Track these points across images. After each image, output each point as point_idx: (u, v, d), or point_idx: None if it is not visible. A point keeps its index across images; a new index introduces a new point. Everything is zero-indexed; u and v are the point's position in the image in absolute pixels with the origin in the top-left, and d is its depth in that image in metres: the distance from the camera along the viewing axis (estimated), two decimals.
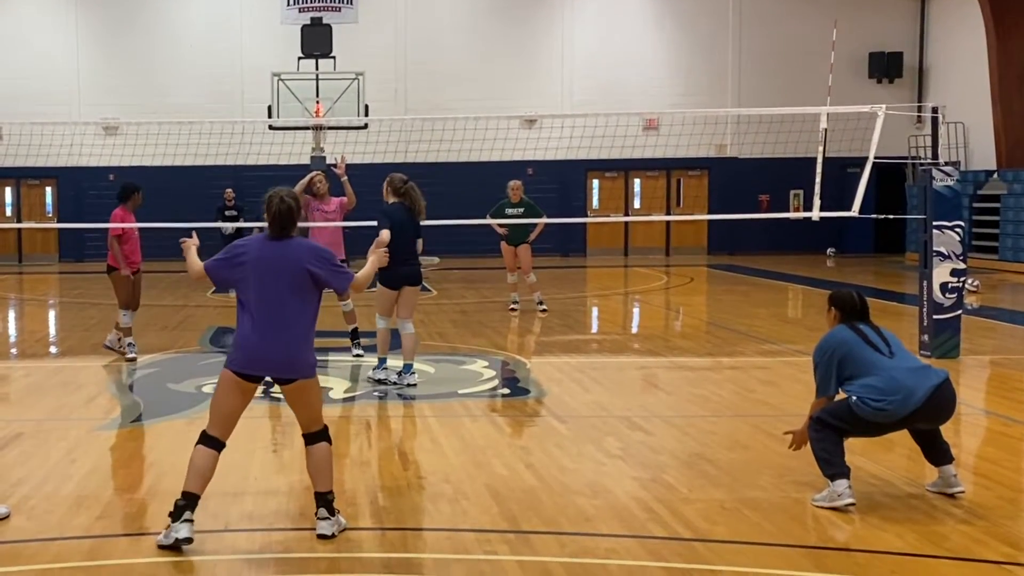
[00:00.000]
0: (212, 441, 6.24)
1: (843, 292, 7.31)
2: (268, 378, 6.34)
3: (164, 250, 29.39)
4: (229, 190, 22.13)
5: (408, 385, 10.89)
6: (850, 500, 6.74)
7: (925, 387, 6.72)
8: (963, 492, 7.00)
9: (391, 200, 11.12)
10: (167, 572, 5.69)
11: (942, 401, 6.83)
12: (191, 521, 5.98)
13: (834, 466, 6.86)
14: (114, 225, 12.64)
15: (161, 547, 5.96)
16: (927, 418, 6.84)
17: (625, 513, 6.73)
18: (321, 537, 6.19)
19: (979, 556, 5.91)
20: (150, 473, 7.62)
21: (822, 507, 6.82)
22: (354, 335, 12.78)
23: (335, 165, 12.93)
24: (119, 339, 12.94)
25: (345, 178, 12.72)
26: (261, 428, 9.40)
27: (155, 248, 28.54)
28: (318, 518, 6.26)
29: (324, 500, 6.27)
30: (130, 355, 12.64)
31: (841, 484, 6.78)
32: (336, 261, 6.41)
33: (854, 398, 6.82)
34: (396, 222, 10.68)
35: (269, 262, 6.24)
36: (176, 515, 5.99)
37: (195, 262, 6.55)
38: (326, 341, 13.87)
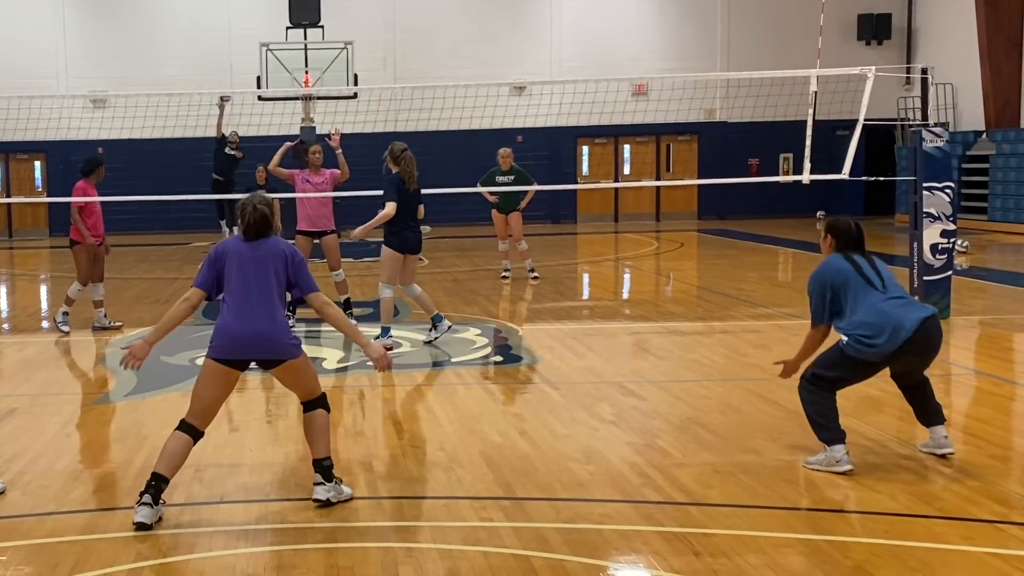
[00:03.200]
0: (190, 429, 6.23)
1: (840, 220, 7.25)
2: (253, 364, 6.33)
3: (154, 223, 29.50)
4: (234, 130, 22.11)
5: (449, 328, 11.40)
6: (848, 466, 6.77)
7: (913, 320, 6.72)
8: (952, 453, 7.04)
9: (395, 169, 11.16)
10: (164, 544, 5.72)
11: (929, 334, 6.80)
12: (150, 505, 5.94)
13: (830, 431, 6.88)
14: (76, 200, 12.75)
15: (139, 525, 5.94)
16: (916, 352, 6.80)
17: (619, 478, 6.76)
18: (317, 502, 6.21)
19: (971, 515, 5.95)
20: (145, 446, 7.63)
21: (816, 470, 6.86)
22: (346, 305, 12.80)
23: (330, 136, 12.89)
24: (105, 315, 12.96)
25: (340, 150, 12.69)
26: (256, 400, 9.42)
27: (145, 221, 28.62)
28: (315, 484, 6.27)
29: (320, 466, 6.28)
30: (64, 328, 12.66)
31: (839, 450, 6.81)
32: (305, 266, 6.42)
33: (844, 339, 6.85)
34: (402, 191, 10.86)
35: (248, 257, 6.28)
36: (139, 496, 6.00)
37: (183, 311, 6.47)
38: None
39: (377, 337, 11.22)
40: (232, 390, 6.41)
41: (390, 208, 10.95)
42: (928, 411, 7.11)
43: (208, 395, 6.29)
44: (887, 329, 6.69)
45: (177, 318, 6.44)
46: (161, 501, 6.04)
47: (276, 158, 12.86)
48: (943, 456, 7.02)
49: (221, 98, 13.04)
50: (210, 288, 6.39)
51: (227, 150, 21.39)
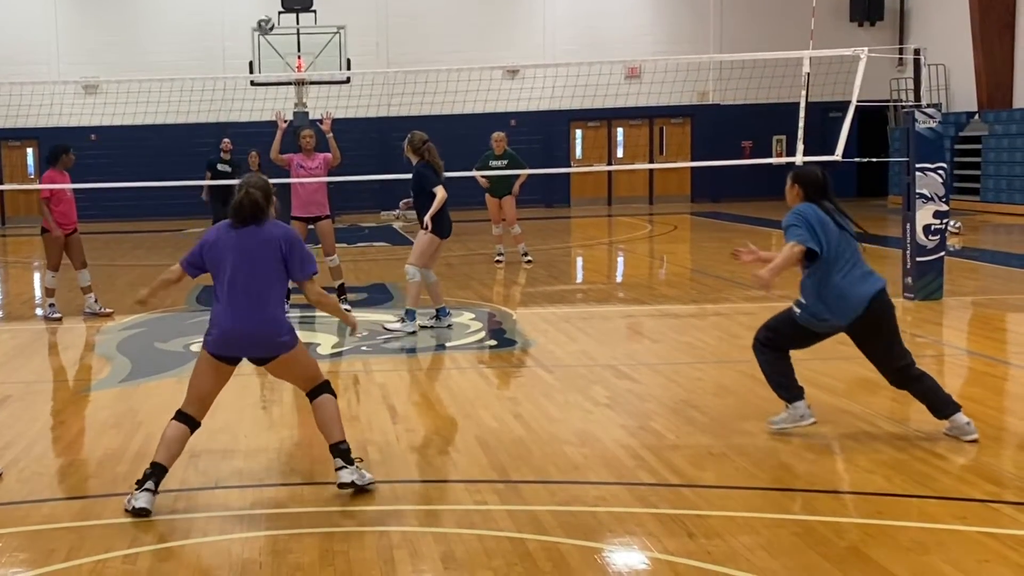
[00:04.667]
0: (187, 418, 6.21)
1: (807, 168, 7.28)
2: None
3: (148, 209, 29.44)
4: (227, 140, 20.92)
5: (448, 327, 11.43)
6: (813, 419, 7.15)
7: (864, 298, 6.89)
8: (977, 439, 6.92)
9: (414, 159, 11.17)
10: (160, 530, 5.73)
11: (881, 308, 6.93)
12: (152, 492, 5.94)
13: (790, 389, 7.22)
14: (44, 186, 12.81)
15: (125, 511, 5.95)
16: (866, 327, 6.95)
17: (613, 461, 6.78)
18: (343, 486, 6.17)
19: (964, 495, 5.97)
20: (139, 433, 7.64)
21: (783, 429, 7.15)
22: (340, 290, 12.78)
23: (321, 121, 12.86)
24: (95, 300, 12.97)
25: (331, 135, 12.67)
26: (250, 386, 9.41)
27: (139, 208, 28.58)
28: (336, 469, 6.22)
29: (339, 451, 6.24)
30: (54, 316, 12.67)
31: (800, 405, 7.16)
32: (305, 250, 6.30)
33: (797, 310, 7.05)
34: (439, 179, 11.06)
35: (238, 247, 6.15)
36: (139, 483, 6.00)
37: (166, 281, 6.45)
38: None
39: (402, 320, 11.21)
40: (226, 383, 6.39)
41: (443, 192, 11.07)
42: (939, 403, 7.04)
43: (203, 386, 6.27)
44: (839, 307, 6.91)
45: (162, 283, 6.45)
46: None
47: (276, 145, 12.79)
48: (970, 442, 6.90)
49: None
50: (193, 272, 6.32)
51: (219, 167, 20.51)
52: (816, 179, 7.08)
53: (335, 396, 6.40)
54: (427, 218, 11.11)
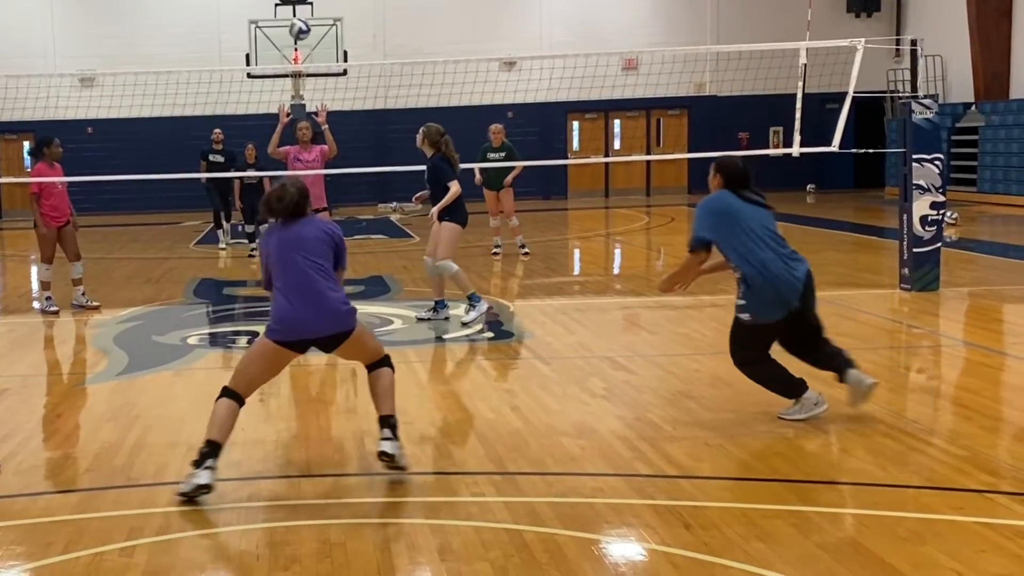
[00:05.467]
0: (235, 395, 6.20)
1: (729, 159, 7.53)
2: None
3: (145, 202, 29.42)
4: (217, 131, 20.70)
5: (445, 319, 11.50)
6: (826, 405, 7.19)
7: (797, 284, 7.09)
8: (876, 382, 7.26)
9: (429, 151, 11.16)
10: (157, 523, 5.72)
11: (807, 293, 7.16)
12: (212, 468, 5.98)
13: (792, 384, 7.25)
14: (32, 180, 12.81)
15: (181, 495, 5.95)
16: (803, 307, 7.16)
17: (610, 452, 6.78)
18: (383, 457, 6.26)
19: (960, 485, 5.98)
20: (137, 426, 7.64)
21: (798, 420, 7.17)
22: None
23: (316, 113, 12.84)
24: (83, 293, 12.97)
25: (326, 127, 12.65)
26: None
27: (136, 200, 28.55)
28: (382, 438, 6.31)
29: (387, 422, 6.35)
30: (51, 308, 12.66)
31: (811, 395, 7.19)
32: (345, 244, 6.47)
33: (746, 317, 7.18)
34: (454, 173, 11.16)
35: (287, 240, 6.28)
36: (199, 461, 6.00)
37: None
38: None
39: (471, 308, 11.28)
40: (279, 372, 6.46)
41: (457, 186, 11.12)
42: (831, 355, 7.30)
43: (255, 372, 6.29)
44: (775, 300, 7.07)
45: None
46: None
47: (275, 139, 12.77)
48: (869, 386, 7.16)
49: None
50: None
51: (211, 157, 20.21)
52: (737, 169, 7.37)
53: (393, 371, 6.49)
54: (435, 210, 11.14)
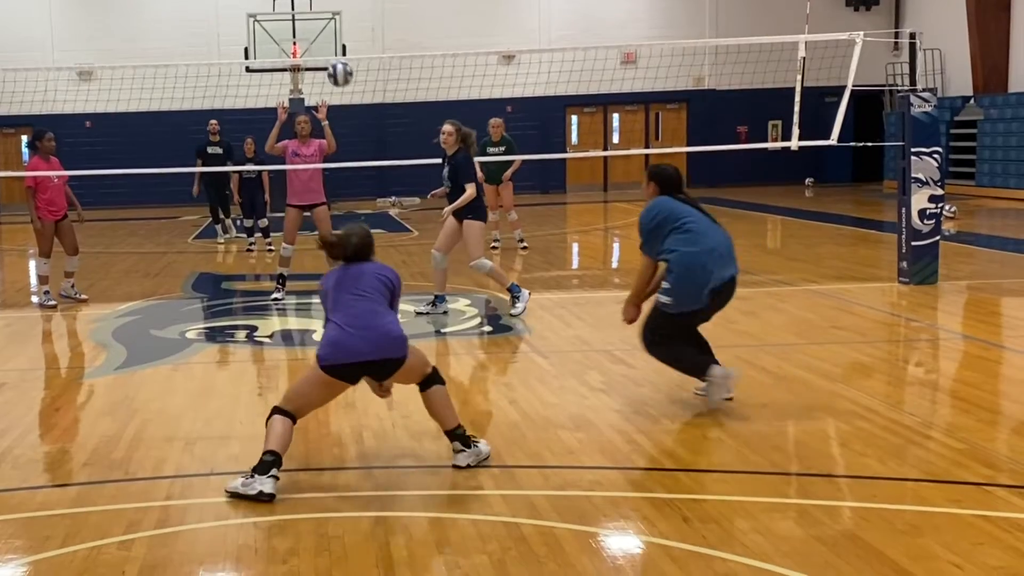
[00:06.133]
0: (288, 414, 6.16)
1: (662, 166, 7.82)
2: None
3: (143, 196, 29.39)
4: (213, 121, 20.32)
5: (444, 313, 11.60)
6: (737, 373, 7.47)
7: (720, 280, 7.37)
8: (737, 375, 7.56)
9: (453, 148, 11.15)
10: (155, 517, 5.72)
11: (725, 297, 7.50)
12: (276, 478, 5.92)
13: (698, 364, 7.48)
14: (29, 174, 12.76)
15: (233, 494, 5.92)
16: (717, 305, 7.50)
17: (608, 445, 6.78)
18: (456, 467, 6.30)
19: (959, 478, 5.98)
20: (135, 420, 7.64)
21: (714, 397, 7.42)
22: None
23: (317, 109, 12.79)
24: (72, 286, 12.98)
25: (326, 123, 12.62)
26: (246, 372, 9.44)
27: (134, 194, 28.54)
28: (455, 451, 6.35)
29: (455, 435, 6.36)
30: (49, 303, 12.66)
31: (717, 369, 7.36)
32: (399, 289, 6.49)
33: (666, 300, 7.41)
34: (474, 176, 11.26)
35: (348, 275, 6.31)
36: (263, 469, 5.93)
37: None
38: (309, 284, 13.89)
39: (515, 300, 11.36)
40: (330, 400, 6.42)
41: (472, 190, 11.14)
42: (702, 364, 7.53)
43: (309, 395, 6.24)
44: (696, 290, 7.32)
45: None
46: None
47: (272, 136, 12.75)
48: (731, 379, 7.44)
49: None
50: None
51: (209, 149, 19.91)
52: (669, 175, 7.69)
53: (444, 384, 6.47)
54: (448, 211, 11.17)
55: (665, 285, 7.44)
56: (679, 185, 7.72)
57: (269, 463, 5.95)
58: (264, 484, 5.89)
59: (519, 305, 11.33)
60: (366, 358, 6.12)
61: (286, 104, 13.05)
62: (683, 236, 7.40)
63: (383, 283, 6.31)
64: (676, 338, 7.55)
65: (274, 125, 12.75)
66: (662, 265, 7.53)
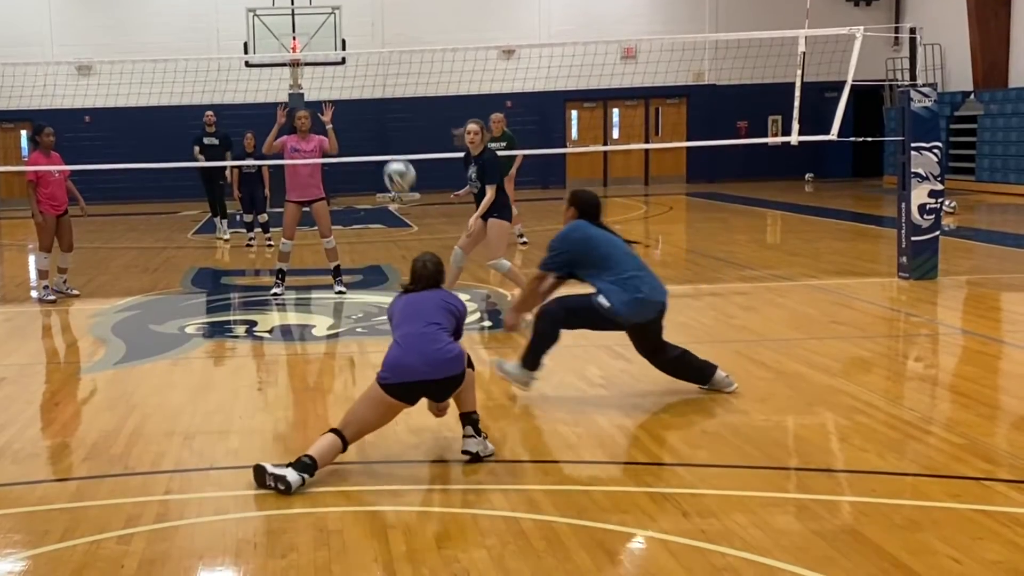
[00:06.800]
0: (341, 436, 6.19)
1: (582, 191, 7.91)
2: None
3: (143, 192, 29.37)
4: (209, 112, 19.97)
5: None
6: (535, 382, 7.78)
7: (658, 301, 7.56)
8: (737, 387, 7.76)
9: (480, 148, 11.12)
10: (154, 511, 5.72)
11: (661, 317, 7.66)
12: (303, 481, 5.93)
13: (537, 359, 7.73)
14: (29, 168, 12.77)
15: (259, 469, 5.96)
16: (650, 327, 7.65)
17: (607, 440, 6.79)
18: (466, 453, 6.33)
19: (958, 473, 5.98)
20: (134, 415, 7.64)
21: (504, 377, 7.85)
22: (336, 272, 12.76)
23: (322, 112, 12.69)
24: (64, 281, 12.97)
25: (331, 127, 12.57)
26: (245, 367, 9.43)
27: (134, 190, 28.52)
28: (464, 436, 6.38)
29: (469, 419, 6.41)
30: (48, 297, 12.66)
31: (536, 376, 7.76)
32: (464, 317, 6.63)
33: (600, 298, 7.48)
34: (498, 177, 11.18)
35: (413, 300, 6.44)
36: (298, 466, 5.96)
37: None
38: (309, 279, 13.90)
39: None
40: (389, 421, 6.44)
41: (492, 192, 11.11)
42: (700, 368, 7.76)
43: (366, 416, 6.30)
44: (638, 304, 7.42)
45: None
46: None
47: (270, 139, 12.70)
48: (730, 392, 7.69)
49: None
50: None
51: (206, 140, 19.67)
52: (589, 201, 7.78)
53: (474, 369, 6.55)
54: (474, 219, 11.10)
55: (605, 304, 7.49)
56: (598, 212, 7.81)
57: (306, 464, 5.99)
58: (290, 475, 5.91)
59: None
60: (424, 377, 6.21)
61: (285, 107, 12.98)
62: (602, 265, 7.52)
63: (449, 311, 6.42)
64: (571, 326, 7.76)
65: (273, 127, 12.69)
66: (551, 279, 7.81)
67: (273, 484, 5.90)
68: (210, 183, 19.79)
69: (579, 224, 7.72)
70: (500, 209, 11.19)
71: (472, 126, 11.16)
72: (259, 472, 5.98)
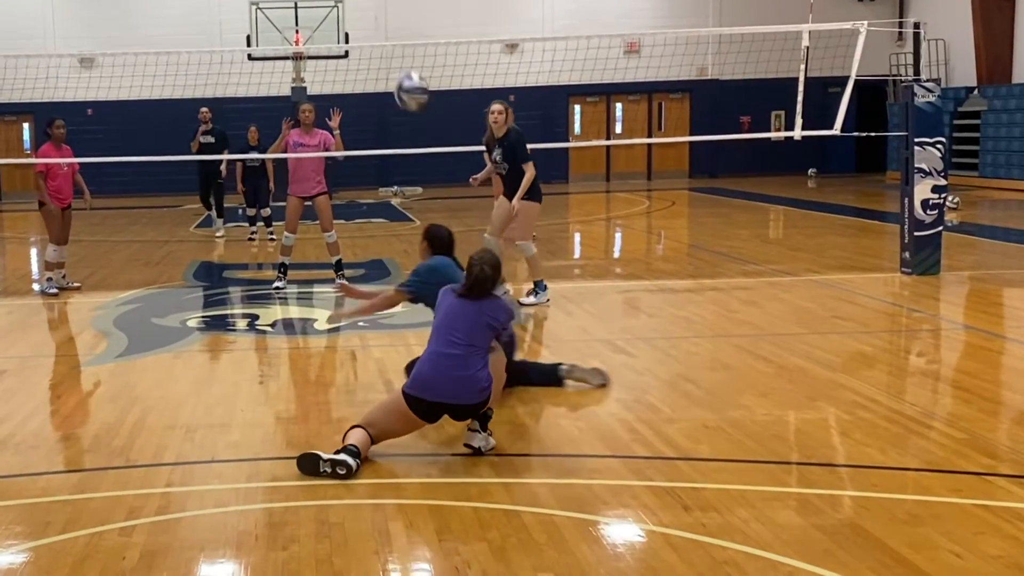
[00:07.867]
0: (368, 432, 6.27)
1: (437, 227, 7.99)
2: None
3: (144, 184, 29.39)
4: (204, 109, 19.48)
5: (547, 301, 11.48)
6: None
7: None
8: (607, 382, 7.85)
9: (504, 130, 11.16)
10: (156, 503, 5.73)
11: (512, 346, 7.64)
12: (358, 467, 6.04)
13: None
14: (38, 160, 12.78)
15: (313, 456, 6.04)
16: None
17: (609, 434, 6.78)
18: (468, 447, 6.35)
19: (960, 468, 5.98)
20: (136, 407, 7.64)
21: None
22: (338, 266, 12.76)
23: (329, 117, 12.63)
24: (63, 276, 12.98)
25: (338, 131, 12.54)
26: (247, 360, 9.43)
27: (136, 183, 28.52)
28: (469, 428, 6.41)
29: (483, 415, 6.42)
30: (50, 290, 12.67)
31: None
32: (508, 326, 6.62)
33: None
34: (529, 154, 11.23)
35: (460, 311, 6.37)
36: (349, 453, 6.05)
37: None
38: (311, 273, 13.91)
39: (534, 293, 11.39)
40: (413, 432, 6.49)
41: (532, 169, 11.14)
42: (549, 371, 7.92)
43: (390, 424, 6.35)
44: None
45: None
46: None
47: (275, 147, 12.68)
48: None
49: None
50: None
51: (201, 139, 19.06)
52: (442, 237, 7.87)
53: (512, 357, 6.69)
54: (516, 200, 11.07)
55: None
56: (451, 248, 7.87)
57: (354, 451, 6.07)
58: (349, 459, 5.99)
59: (532, 298, 11.29)
60: (442, 400, 6.27)
61: (290, 121, 12.89)
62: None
63: (488, 329, 6.37)
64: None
65: (278, 137, 12.63)
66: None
67: (331, 470, 5.97)
68: (205, 183, 19.63)
69: (444, 260, 7.74)
70: (529, 191, 11.19)
71: (496, 106, 11.19)
72: (311, 460, 6.03)
